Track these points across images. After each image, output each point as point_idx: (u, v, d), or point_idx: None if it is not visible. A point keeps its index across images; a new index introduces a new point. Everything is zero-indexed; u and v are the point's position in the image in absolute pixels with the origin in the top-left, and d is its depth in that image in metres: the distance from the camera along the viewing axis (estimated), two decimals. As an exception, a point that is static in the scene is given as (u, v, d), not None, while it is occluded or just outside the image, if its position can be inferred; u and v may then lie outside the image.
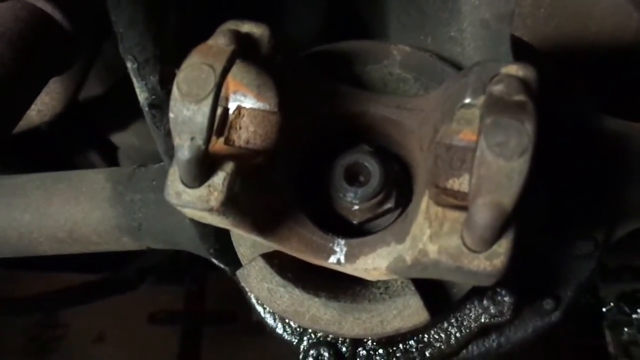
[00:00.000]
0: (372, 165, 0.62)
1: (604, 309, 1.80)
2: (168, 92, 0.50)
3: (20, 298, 1.89)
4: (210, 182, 0.50)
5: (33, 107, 1.19)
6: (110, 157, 1.69)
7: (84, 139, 1.67)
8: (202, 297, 2.36)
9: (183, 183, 0.51)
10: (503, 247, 0.46)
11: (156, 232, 1.11)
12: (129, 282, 1.90)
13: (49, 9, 0.92)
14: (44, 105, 1.25)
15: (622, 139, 0.89)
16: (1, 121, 0.87)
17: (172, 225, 1.03)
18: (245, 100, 0.56)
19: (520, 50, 0.89)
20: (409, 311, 0.58)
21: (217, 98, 0.47)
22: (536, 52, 0.97)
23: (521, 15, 1.04)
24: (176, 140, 0.48)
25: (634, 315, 1.76)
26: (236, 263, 0.68)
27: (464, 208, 0.48)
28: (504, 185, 0.42)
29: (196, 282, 2.33)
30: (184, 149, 0.47)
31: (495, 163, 0.42)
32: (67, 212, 1.14)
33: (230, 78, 0.55)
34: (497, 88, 0.46)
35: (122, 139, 1.60)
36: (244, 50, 0.52)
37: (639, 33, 1.04)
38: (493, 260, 0.46)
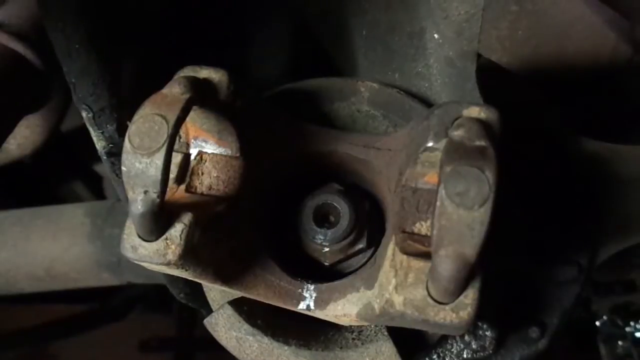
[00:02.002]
0: (342, 206, 0.60)
1: (597, 323, 1.78)
2: None
3: (7, 332, 1.86)
4: (167, 234, 0.49)
5: (13, 141, 1.17)
6: (95, 188, 1.68)
7: (68, 170, 1.66)
8: (193, 323, 2.33)
9: (139, 236, 0.49)
10: (470, 297, 0.44)
11: (136, 266, 1.09)
12: (118, 312, 1.88)
13: (20, 49, 0.91)
14: (24, 139, 1.23)
15: (601, 161, 0.88)
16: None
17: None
18: (207, 145, 0.55)
19: (495, 74, 0.89)
20: (381, 358, 0.56)
21: (170, 150, 0.46)
22: (512, 75, 0.97)
23: (499, 37, 1.04)
24: (129, 194, 0.46)
25: (628, 329, 1.74)
26: (209, 305, 0.66)
27: (430, 254, 0.46)
28: (465, 236, 0.41)
29: (186, 307, 2.30)
30: (137, 202, 0.46)
31: (456, 213, 0.41)
32: (45, 248, 1.12)
33: (190, 124, 0.54)
34: (458, 133, 0.44)
35: (106, 168, 1.58)
36: (203, 96, 0.51)
37: (616, 54, 1.04)
38: (459, 312, 0.44)
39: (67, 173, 1.64)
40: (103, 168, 1.58)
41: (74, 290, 1.23)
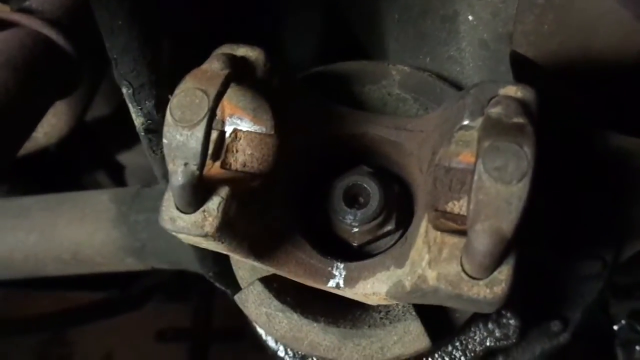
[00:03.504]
0: (372, 187, 0.61)
1: (615, 327, 1.75)
2: (164, 117, 0.50)
3: (27, 318, 1.89)
4: (205, 207, 0.50)
5: (40, 129, 1.20)
6: (117, 176, 1.70)
7: (91, 159, 1.68)
8: (209, 313, 2.35)
9: (178, 208, 0.50)
10: (504, 274, 0.45)
11: (160, 252, 1.11)
12: (135, 301, 1.90)
13: (53, 35, 0.93)
14: (51, 127, 1.26)
15: (629, 156, 0.87)
16: (6, 145, 0.88)
17: (176, 245, 1.03)
18: (242, 123, 0.56)
19: (523, 67, 0.89)
20: (409, 337, 0.57)
21: (210, 123, 0.47)
22: (539, 69, 0.96)
23: (524, 32, 1.03)
24: (170, 166, 0.47)
25: (646, 334, 1.70)
26: (237, 285, 0.67)
27: (463, 232, 0.47)
28: (503, 211, 0.41)
29: (203, 298, 2.32)
30: (178, 174, 0.47)
31: (494, 188, 0.41)
32: (71, 233, 1.15)
33: (226, 101, 0.55)
34: (495, 110, 0.45)
35: (128, 158, 1.61)
36: (239, 73, 0.52)
37: (645, 48, 1.02)
38: (493, 287, 0.45)
39: (90, 162, 1.67)
40: (125, 157, 1.61)
41: (94, 278, 1.25)
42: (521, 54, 0.97)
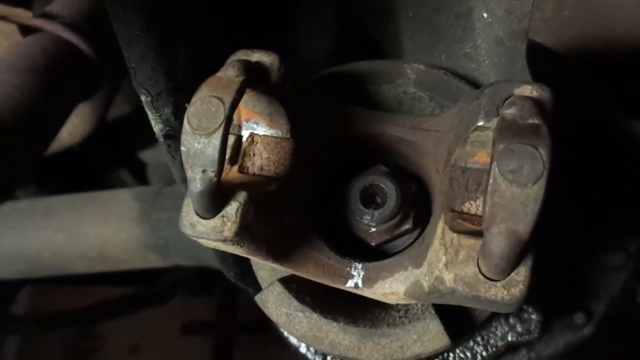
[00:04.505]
0: (389, 186, 0.61)
1: (641, 315, 1.72)
2: (182, 123, 0.51)
3: (57, 313, 1.95)
4: (223, 212, 0.51)
5: (64, 129, 1.22)
6: (140, 174, 1.73)
7: (113, 157, 1.71)
8: (233, 307, 2.38)
9: (197, 214, 0.51)
10: (521, 275, 0.45)
11: (182, 249, 1.13)
12: (161, 295, 1.94)
13: (74, 39, 0.95)
14: (74, 127, 1.29)
15: (652, 144, 0.85)
16: (33, 147, 0.90)
17: (198, 243, 1.05)
18: (258, 127, 0.56)
19: (542, 57, 0.87)
20: (429, 336, 0.57)
21: (227, 130, 0.48)
22: (559, 57, 0.95)
23: (544, 18, 1.01)
24: (188, 173, 0.49)
25: (673, 321, 1.68)
26: (257, 284, 0.68)
27: (481, 233, 0.47)
28: (518, 213, 0.41)
29: (227, 293, 2.36)
30: (196, 181, 0.48)
31: (509, 190, 0.41)
32: (97, 231, 1.18)
33: (242, 106, 0.56)
34: (510, 111, 0.44)
35: (150, 155, 1.64)
36: (255, 79, 0.52)
37: (668, 34, 1.00)
38: (511, 289, 0.45)
39: (113, 160, 1.70)
40: (147, 155, 1.64)
41: (121, 274, 1.29)
42: (539, 43, 0.95)
